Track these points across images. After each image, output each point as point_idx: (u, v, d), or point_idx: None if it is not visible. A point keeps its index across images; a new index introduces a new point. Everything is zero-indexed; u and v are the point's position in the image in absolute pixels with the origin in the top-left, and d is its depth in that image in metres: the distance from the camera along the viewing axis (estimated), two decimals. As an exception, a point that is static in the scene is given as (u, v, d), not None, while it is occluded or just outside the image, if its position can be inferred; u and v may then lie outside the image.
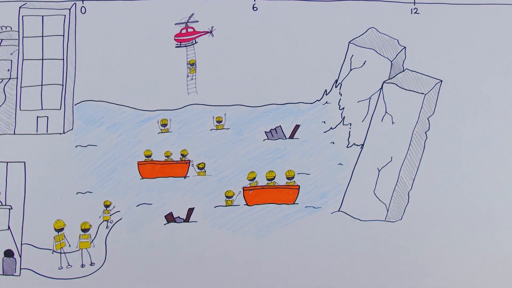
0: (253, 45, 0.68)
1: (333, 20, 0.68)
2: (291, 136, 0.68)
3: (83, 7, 0.68)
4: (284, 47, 0.68)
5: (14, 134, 0.67)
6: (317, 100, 0.68)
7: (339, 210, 0.67)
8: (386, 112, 0.68)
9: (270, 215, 0.67)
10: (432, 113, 0.68)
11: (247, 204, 0.67)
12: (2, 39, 0.67)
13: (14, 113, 0.67)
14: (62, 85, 0.67)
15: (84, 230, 0.67)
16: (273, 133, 0.68)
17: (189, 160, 0.68)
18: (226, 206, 0.67)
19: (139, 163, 0.67)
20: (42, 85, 0.67)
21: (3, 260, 0.66)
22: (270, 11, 0.68)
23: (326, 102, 0.68)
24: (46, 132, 0.67)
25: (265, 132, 0.68)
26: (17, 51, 0.67)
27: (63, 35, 0.68)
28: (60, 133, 0.67)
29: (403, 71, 0.68)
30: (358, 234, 0.67)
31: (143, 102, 0.68)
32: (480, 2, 0.68)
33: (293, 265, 0.67)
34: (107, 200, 0.67)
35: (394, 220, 0.67)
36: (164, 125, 0.68)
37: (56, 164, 0.67)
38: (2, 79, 0.67)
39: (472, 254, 0.67)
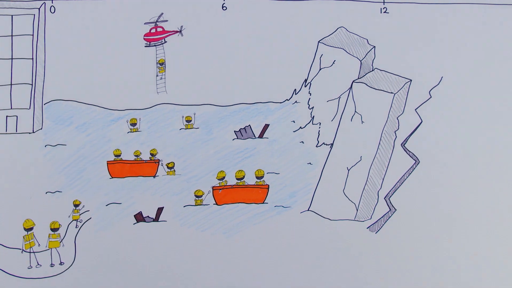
0: (222, 45, 0.68)
1: (302, 20, 0.68)
2: (261, 136, 0.68)
3: (52, 7, 0.68)
4: (254, 46, 0.68)
5: (-17, 133, 0.67)
6: (287, 99, 0.68)
7: (308, 210, 0.67)
8: (355, 111, 0.68)
9: (239, 215, 0.67)
10: (401, 113, 0.68)
11: (216, 204, 0.67)
12: (-29, 39, 0.67)
13: (-17, 112, 0.67)
14: (32, 85, 0.67)
15: (54, 230, 0.67)
16: (243, 133, 0.68)
17: (159, 160, 0.68)
18: (195, 205, 0.67)
19: (108, 163, 0.67)
20: (11, 84, 0.67)
21: (-29, 259, 0.66)
22: (240, 10, 0.68)
23: (296, 102, 0.68)
24: (15, 132, 0.67)
25: (234, 131, 0.68)
26: (-13, 50, 0.67)
27: (33, 35, 0.68)
28: (30, 133, 0.67)
29: (373, 70, 0.68)
30: (328, 233, 0.67)
31: (112, 102, 0.68)
32: (449, 2, 0.68)
33: (262, 264, 0.67)
34: (76, 200, 0.67)
35: (363, 220, 0.67)
36: (134, 124, 0.68)
37: (26, 163, 0.67)
38: (-28, 78, 0.67)
39: (442, 252, 0.67)
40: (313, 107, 0.68)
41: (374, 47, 0.68)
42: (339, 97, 0.68)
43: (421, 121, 0.68)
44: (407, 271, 0.67)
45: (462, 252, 0.67)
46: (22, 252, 0.66)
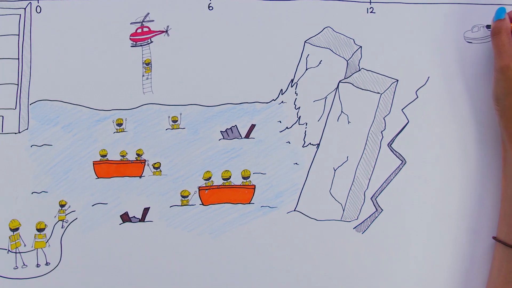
0: (208, 45, 0.68)
1: (288, 19, 0.68)
2: (247, 136, 0.68)
3: (38, 7, 0.68)
4: (240, 46, 0.68)
5: (-31, 133, 0.67)
6: (273, 99, 0.68)
7: (295, 210, 0.67)
8: (342, 111, 0.68)
9: (225, 215, 0.67)
10: (388, 113, 0.68)
11: (202, 204, 0.67)
12: (-44, 39, 0.67)
13: (-31, 112, 0.67)
14: (17, 85, 0.67)
15: (40, 230, 0.66)
16: (229, 133, 0.68)
17: (145, 160, 0.67)
18: (181, 205, 0.67)
19: (94, 163, 0.67)
20: (-3, 84, 0.67)
21: (-43, 260, 0.66)
22: (226, 10, 0.68)
23: (282, 102, 0.68)
24: (1, 132, 0.67)
25: (220, 131, 0.68)
26: (-28, 50, 0.67)
27: (18, 35, 0.67)
28: (15, 133, 0.67)
29: (359, 70, 0.68)
30: (314, 233, 0.67)
31: (98, 102, 0.67)
32: (435, 2, 0.68)
33: (248, 265, 0.66)
34: (62, 200, 0.67)
35: (350, 220, 0.67)
36: (120, 124, 0.68)
37: (11, 163, 0.67)
38: (-43, 78, 0.67)
39: (429, 252, 0.67)
40: (299, 107, 0.68)
41: (361, 47, 0.68)
42: (326, 97, 0.68)
43: (408, 121, 0.68)
44: (394, 271, 0.67)
45: (449, 252, 0.67)
46: (8, 253, 0.66)
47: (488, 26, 0.67)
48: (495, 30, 0.63)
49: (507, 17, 0.63)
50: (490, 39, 0.67)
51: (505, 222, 0.62)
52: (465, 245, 0.67)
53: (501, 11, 0.63)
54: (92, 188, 0.67)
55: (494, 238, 0.64)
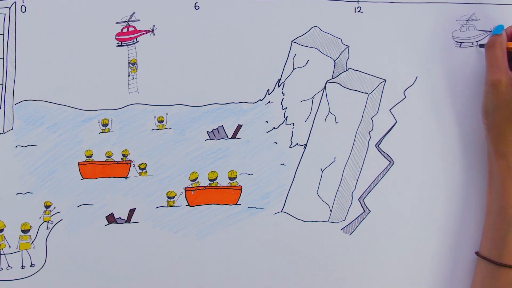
0: (195, 44, 0.67)
1: (275, 19, 0.68)
2: (234, 136, 0.67)
3: (23, 6, 0.67)
4: (226, 46, 0.67)
5: (-47, 134, 0.66)
6: (260, 99, 0.67)
7: (281, 211, 0.67)
8: (329, 111, 0.67)
9: (212, 216, 0.67)
10: (375, 113, 0.67)
11: (189, 205, 0.67)
12: None
13: (-47, 113, 0.66)
14: (2, 85, 0.67)
15: (24, 231, 0.66)
16: (215, 133, 0.67)
17: (130, 160, 0.67)
18: (167, 206, 0.67)
19: (79, 163, 0.67)
20: (-19, 84, 0.67)
21: None
22: (212, 9, 0.68)
23: (269, 102, 0.67)
24: (-15, 132, 0.67)
25: (207, 132, 0.67)
26: (-43, 50, 0.67)
27: (3, 34, 0.67)
28: (0, 133, 0.66)
29: (347, 70, 0.67)
30: (301, 235, 0.66)
31: (84, 102, 0.67)
32: (424, 1, 0.68)
33: (235, 266, 0.66)
34: (47, 201, 0.66)
35: (337, 221, 0.67)
36: (105, 125, 0.67)
37: (-4, 164, 0.66)
38: None
39: (417, 253, 0.66)
40: (286, 108, 0.67)
41: (348, 46, 0.67)
42: (313, 98, 0.67)
43: (396, 122, 0.67)
44: (381, 273, 0.66)
45: (436, 252, 0.66)
46: (-8, 254, 0.66)
47: (481, 45, 0.66)
48: (490, 44, 0.62)
49: (504, 33, 0.62)
50: (478, 38, 0.67)
51: (489, 236, 0.61)
52: (453, 245, 0.66)
53: (499, 28, 0.63)
54: (78, 189, 0.66)
55: (476, 253, 0.64)
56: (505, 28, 0.63)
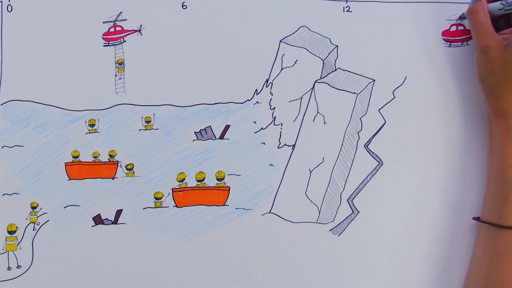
0: (182, 44, 0.67)
1: (264, 18, 0.67)
2: (221, 137, 0.67)
3: (9, 6, 0.67)
4: (214, 45, 0.67)
5: None
6: (248, 100, 0.67)
7: (270, 212, 0.66)
8: (317, 112, 0.67)
9: (199, 217, 0.66)
10: (364, 113, 0.67)
11: (176, 206, 0.66)
12: None
13: None
14: (-12, 85, 0.66)
15: (11, 232, 0.65)
16: (203, 134, 0.67)
17: (118, 161, 0.66)
18: (155, 207, 0.66)
19: (66, 164, 0.66)
20: (-33, 84, 0.66)
21: None
22: (200, 9, 0.67)
23: (257, 102, 0.67)
24: (-29, 133, 0.66)
25: (194, 132, 0.67)
26: None
27: (-11, 34, 0.66)
28: (-14, 134, 0.66)
29: (335, 70, 0.67)
30: (290, 236, 0.66)
31: (70, 102, 0.66)
32: (413, 0, 0.67)
33: (223, 267, 0.65)
34: (34, 202, 0.66)
35: (326, 222, 0.66)
36: (92, 125, 0.67)
37: (-18, 165, 0.66)
38: None
39: (405, 254, 0.66)
40: (274, 108, 0.67)
41: (337, 46, 0.67)
42: (301, 98, 0.67)
43: (385, 122, 0.67)
44: (370, 274, 0.66)
45: (425, 253, 0.66)
46: (-22, 255, 0.65)
47: (462, 17, 0.66)
48: (471, 10, 0.61)
49: None
50: (468, 38, 0.66)
51: (490, 200, 0.62)
52: (442, 246, 0.66)
53: None
54: (64, 189, 0.66)
55: (475, 218, 0.64)
56: None
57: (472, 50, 0.64)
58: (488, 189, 0.63)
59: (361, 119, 0.66)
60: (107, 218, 0.66)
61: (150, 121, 0.67)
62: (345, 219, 0.66)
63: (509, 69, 0.58)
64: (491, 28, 0.60)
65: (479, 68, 0.61)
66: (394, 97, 0.67)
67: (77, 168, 0.66)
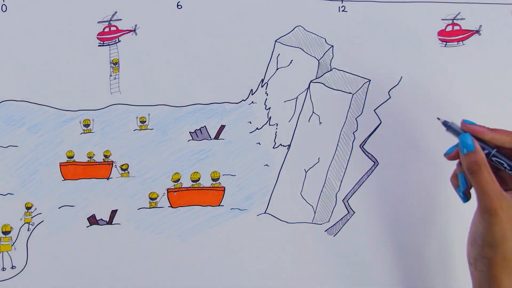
0: (177, 44, 0.67)
1: (259, 18, 0.67)
2: (216, 137, 0.67)
3: (4, 5, 0.67)
4: (209, 45, 0.67)
5: None
6: (243, 100, 0.67)
7: (265, 212, 0.66)
8: (313, 112, 0.66)
9: (195, 217, 0.66)
10: (360, 113, 0.66)
11: (171, 206, 0.66)
12: None
13: None
14: (-17, 85, 0.66)
15: (5, 233, 0.65)
16: (198, 134, 0.67)
17: (112, 161, 0.66)
18: (150, 208, 0.66)
19: (61, 164, 0.66)
20: (-39, 84, 0.66)
21: None
22: (195, 9, 0.67)
23: (252, 102, 0.67)
24: (-35, 133, 0.66)
25: (189, 132, 0.67)
26: None
27: (-16, 34, 0.66)
28: (-20, 134, 0.66)
29: (331, 70, 0.67)
30: (285, 236, 0.66)
31: (65, 102, 0.66)
32: (408, 0, 0.67)
33: (218, 268, 0.65)
34: (28, 202, 0.65)
35: (321, 222, 0.66)
36: (87, 125, 0.66)
37: (-24, 165, 0.65)
38: None
39: (401, 254, 0.66)
40: (270, 108, 0.67)
41: (332, 46, 0.67)
42: (297, 98, 0.67)
43: (380, 122, 0.66)
44: (365, 274, 0.65)
45: (420, 254, 0.66)
46: (-28, 256, 0.65)
47: (445, 123, 0.57)
48: (474, 168, 0.53)
49: (477, 145, 0.54)
50: (464, 38, 0.66)
51: None
52: (437, 247, 0.66)
53: (466, 139, 0.54)
54: (59, 190, 0.66)
55: None
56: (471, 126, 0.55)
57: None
58: None
59: (357, 119, 0.66)
60: (102, 219, 0.66)
61: (145, 121, 0.67)
62: (340, 220, 0.66)
63: None
64: (497, 186, 0.52)
65: (489, 232, 0.52)
66: (390, 97, 0.66)
67: (71, 168, 0.66)
